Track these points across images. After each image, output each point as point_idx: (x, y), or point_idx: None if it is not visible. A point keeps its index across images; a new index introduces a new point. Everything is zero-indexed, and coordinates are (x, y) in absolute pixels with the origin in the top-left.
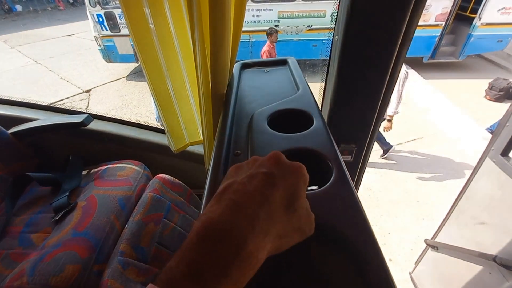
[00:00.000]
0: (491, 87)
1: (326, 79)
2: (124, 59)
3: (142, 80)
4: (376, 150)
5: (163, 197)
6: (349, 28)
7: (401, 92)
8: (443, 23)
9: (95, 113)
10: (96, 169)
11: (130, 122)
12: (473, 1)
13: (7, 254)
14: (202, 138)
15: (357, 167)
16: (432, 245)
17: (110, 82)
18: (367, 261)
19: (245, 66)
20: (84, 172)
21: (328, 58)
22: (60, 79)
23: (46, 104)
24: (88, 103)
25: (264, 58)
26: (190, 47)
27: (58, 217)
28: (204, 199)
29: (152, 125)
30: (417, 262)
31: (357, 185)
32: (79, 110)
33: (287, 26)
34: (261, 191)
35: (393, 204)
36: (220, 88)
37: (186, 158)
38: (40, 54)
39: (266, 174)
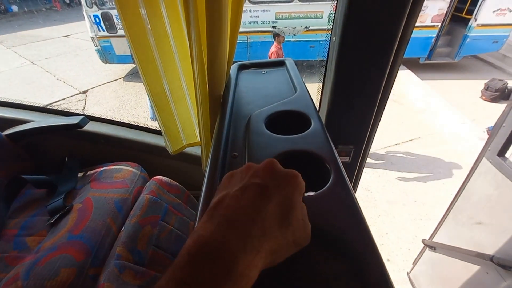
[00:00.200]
0: (486, 88)
1: (323, 80)
2: (121, 59)
3: (140, 81)
4: (373, 150)
5: (160, 199)
6: (347, 29)
7: None
8: (439, 24)
9: (91, 115)
10: (92, 171)
11: (127, 123)
12: (468, 3)
13: (1, 258)
14: (199, 140)
15: (355, 168)
16: (430, 245)
17: (107, 83)
18: (366, 263)
19: (242, 67)
20: (80, 174)
21: (325, 59)
22: (56, 80)
23: (41, 106)
24: (85, 104)
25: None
26: (187, 48)
27: (54, 220)
28: (201, 201)
29: (149, 127)
30: (414, 262)
31: (355, 186)
32: (76, 111)
33: (285, 27)
34: (254, 205)
35: (391, 204)
36: (217, 89)
37: (183, 159)
38: (36, 55)
39: (259, 186)
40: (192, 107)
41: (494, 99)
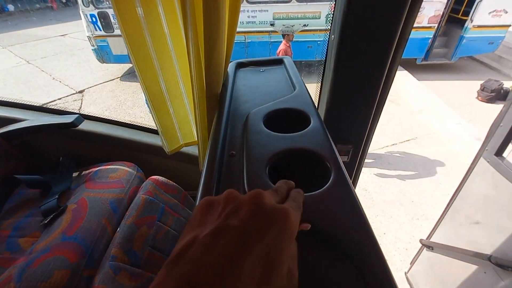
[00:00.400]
0: (483, 88)
1: (322, 79)
2: (118, 59)
3: (136, 81)
4: (371, 150)
5: (156, 199)
6: (346, 28)
7: None
8: (436, 25)
9: (87, 114)
10: (87, 171)
11: (123, 122)
12: (465, 4)
13: None
14: (196, 139)
15: (354, 168)
16: (427, 245)
17: (104, 82)
18: (369, 263)
19: (240, 66)
20: (74, 174)
21: (324, 58)
22: (52, 79)
23: (35, 105)
24: (81, 104)
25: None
26: (184, 47)
27: (47, 220)
28: (198, 201)
29: (145, 126)
30: (412, 262)
31: (354, 186)
32: (72, 111)
33: (283, 25)
34: (226, 260)
35: (388, 204)
36: (215, 87)
37: (180, 159)
38: (32, 54)
39: (237, 230)
40: (189, 106)
41: (490, 100)
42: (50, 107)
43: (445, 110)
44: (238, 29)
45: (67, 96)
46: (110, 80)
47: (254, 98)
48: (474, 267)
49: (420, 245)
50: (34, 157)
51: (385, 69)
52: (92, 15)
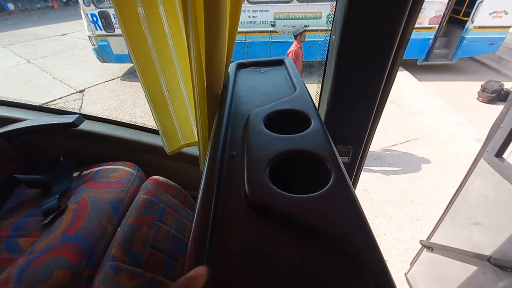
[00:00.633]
0: (483, 89)
1: (323, 80)
2: (119, 59)
3: (137, 81)
4: (371, 151)
5: (157, 200)
6: (347, 29)
7: None
8: (437, 26)
9: (87, 113)
10: (88, 171)
11: (123, 122)
12: (465, 5)
13: None
14: (197, 140)
15: (354, 168)
16: (427, 246)
17: (104, 82)
18: (368, 264)
19: (241, 66)
20: (75, 174)
21: (324, 59)
22: (53, 79)
23: (36, 104)
24: (82, 103)
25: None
26: (184, 47)
27: (47, 220)
28: (198, 201)
29: (146, 126)
30: (412, 263)
31: (354, 187)
32: (72, 110)
33: (284, 26)
34: None
35: (388, 205)
36: (216, 88)
37: (181, 159)
38: (33, 53)
39: None
40: (190, 106)
41: (490, 101)
42: (50, 106)
43: (445, 110)
44: (238, 29)
45: (68, 95)
46: (111, 80)
47: (254, 98)
48: (473, 268)
49: (420, 245)
50: (34, 157)
51: (385, 70)
52: (93, 15)
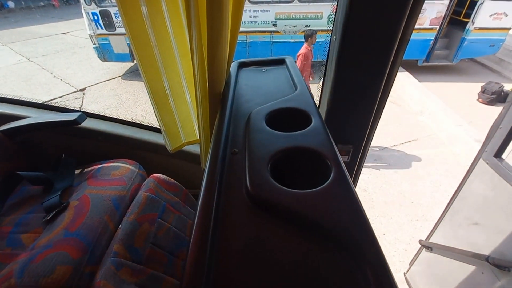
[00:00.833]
0: (483, 91)
1: (323, 80)
2: (120, 58)
3: (138, 80)
4: (371, 151)
5: (158, 197)
6: (347, 29)
7: None
8: (438, 27)
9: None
10: (90, 168)
11: (125, 120)
12: (466, 6)
13: None
14: (198, 138)
15: (354, 167)
16: (426, 246)
17: (105, 81)
18: (368, 259)
19: (242, 65)
20: (77, 172)
21: (325, 59)
22: (53, 77)
23: (38, 102)
24: (82, 102)
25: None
26: (187, 46)
27: (50, 217)
28: (200, 199)
29: (148, 124)
30: (411, 263)
31: (354, 185)
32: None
33: (285, 26)
34: None
35: (388, 205)
36: (217, 86)
37: (182, 157)
38: (33, 51)
39: None
40: (192, 105)
41: (490, 102)
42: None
43: (445, 111)
44: (240, 29)
45: (68, 94)
46: (112, 79)
47: (256, 97)
48: (472, 268)
49: (419, 245)
50: (36, 154)
51: (386, 70)
52: (94, 14)
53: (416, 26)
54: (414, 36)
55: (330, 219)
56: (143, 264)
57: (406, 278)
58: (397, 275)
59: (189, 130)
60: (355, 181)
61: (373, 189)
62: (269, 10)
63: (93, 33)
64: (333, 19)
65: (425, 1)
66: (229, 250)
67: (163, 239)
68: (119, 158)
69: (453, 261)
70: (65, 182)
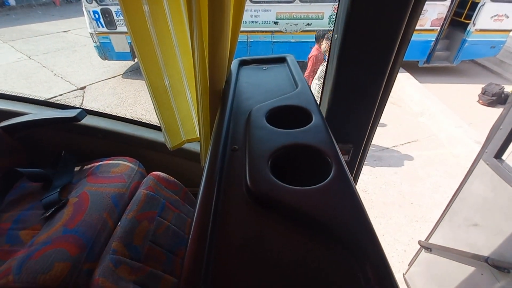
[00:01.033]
0: (484, 92)
1: (324, 79)
2: (120, 56)
3: (138, 78)
4: (371, 152)
5: (157, 195)
6: (349, 28)
7: None
8: (439, 28)
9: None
10: (89, 166)
11: (125, 118)
12: (467, 7)
13: None
14: (198, 136)
15: (354, 167)
16: (426, 247)
17: (106, 79)
18: (368, 256)
19: (243, 63)
20: (76, 169)
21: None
22: (54, 75)
23: (38, 98)
24: (83, 100)
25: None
26: (188, 44)
27: (48, 213)
28: (200, 197)
29: (147, 122)
30: (410, 264)
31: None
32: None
33: (287, 24)
34: None
35: (387, 206)
36: (218, 84)
37: (182, 156)
38: (34, 49)
39: None
40: (192, 102)
41: (491, 104)
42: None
43: (446, 113)
44: (241, 29)
45: (69, 92)
46: (112, 77)
47: (256, 95)
48: (471, 269)
49: (419, 246)
50: (36, 151)
51: (386, 70)
52: (95, 12)
53: (417, 27)
54: (415, 37)
55: (330, 216)
56: (141, 262)
57: (405, 279)
58: (396, 276)
59: (189, 128)
60: (355, 180)
61: (372, 189)
62: (270, 10)
63: (94, 31)
64: (334, 19)
65: (426, 2)
66: (228, 247)
67: (162, 237)
68: (119, 155)
69: (452, 262)
70: (64, 179)
